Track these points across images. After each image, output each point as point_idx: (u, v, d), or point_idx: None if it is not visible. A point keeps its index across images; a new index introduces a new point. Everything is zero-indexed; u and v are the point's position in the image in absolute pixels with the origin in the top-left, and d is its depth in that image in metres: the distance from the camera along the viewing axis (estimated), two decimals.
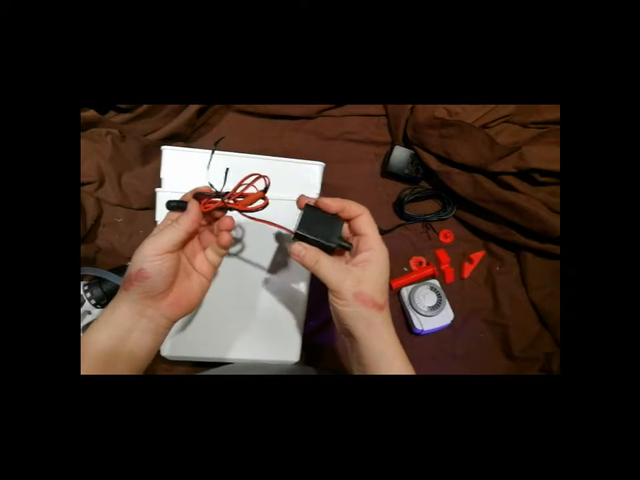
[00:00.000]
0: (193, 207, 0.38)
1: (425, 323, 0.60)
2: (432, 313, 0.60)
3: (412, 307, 0.61)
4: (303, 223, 0.38)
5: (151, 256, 0.36)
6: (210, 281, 0.42)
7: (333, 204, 0.39)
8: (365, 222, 0.38)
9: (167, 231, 0.37)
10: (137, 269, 0.36)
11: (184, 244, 0.39)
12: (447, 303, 0.61)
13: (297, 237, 0.38)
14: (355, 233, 0.39)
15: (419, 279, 0.64)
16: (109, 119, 0.59)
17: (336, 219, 0.39)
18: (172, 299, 0.39)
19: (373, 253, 0.37)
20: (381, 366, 0.38)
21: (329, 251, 0.38)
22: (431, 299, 0.61)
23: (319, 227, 0.38)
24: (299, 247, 0.38)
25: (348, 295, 0.36)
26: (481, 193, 0.58)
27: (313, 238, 0.37)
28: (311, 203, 0.39)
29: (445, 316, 0.61)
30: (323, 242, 0.37)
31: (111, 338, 0.37)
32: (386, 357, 0.38)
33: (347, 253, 0.40)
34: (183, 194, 0.40)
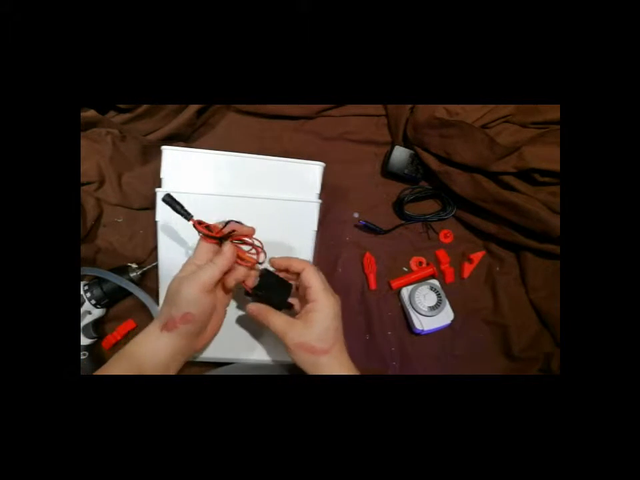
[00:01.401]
0: (230, 249, 0.41)
1: (425, 323, 0.60)
2: (432, 312, 0.60)
3: (412, 306, 0.61)
4: (260, 285, 0.44)
5: (196, 297, 0.39)
6: (226, 309, 0.46)
7: (280, 262, 0.46)
8: (307, 275, 0.44)
9: (207, 270, 0.40)
10: (183, 311, 0.40)
11: (218, 282, 0.42)
12: (447, 303, 0.61)
13: (255, 296, 0.45)
14: (302, 286, 0.44)
15: (419, 279, 0.64)
16: (109, 119, 0.59)
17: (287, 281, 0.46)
18: (207, 334, 0.44)
19: (316, 304, 0.42)
20: None
21: (279, 308, 0.45)
22: (431, 299, 0.61)
23: (274, 287, 0.45)
24: (252, 307, 0.45)
25: (291, 345, 0.42)
26: (481, 193, 0.58)
27: (265, 299, 0.45)
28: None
29: (445, 316, 0.61)
30: (273, 303, 0.45)
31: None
32: None
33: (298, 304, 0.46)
34: (215, 223, 0.43)
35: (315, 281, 0.43)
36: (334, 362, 0.41)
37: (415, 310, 0.60)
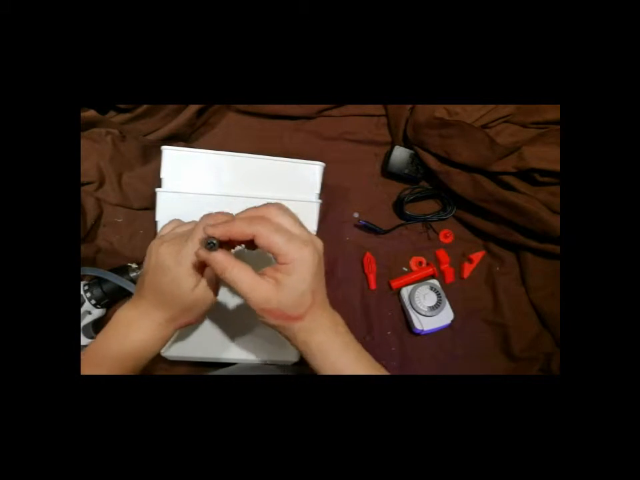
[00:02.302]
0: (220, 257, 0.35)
1: (425, 323, 0.60)
2: (432, 312, 0.60)
3: (412, 307, 0.61)
4: None
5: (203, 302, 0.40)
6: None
7: (219, 232, 0.35)
8: (263, 242, 0.34)
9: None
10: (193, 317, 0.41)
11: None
12: (447, 303, 0.61)
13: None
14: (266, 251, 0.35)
15: (419, 279, 0.64)
16: (109, 119, 0.59)
17: None
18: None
19: (286, 266, 0.34)
20: (317, 362, 0.38)
21: None
22: (431, 299, 0.61)
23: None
24: (218, 255, 0.35)
25: (257, 310, 0.35)
26: (481, 193, 0.58)
27: None
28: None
29: (445, 316, 0.61)
30: None
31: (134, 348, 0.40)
32: (317, 357, 0.37)
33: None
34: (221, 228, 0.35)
35: (275, 243, 0.34)
36: (310, 326, 0.36)
37: (415, 310, 0.60)
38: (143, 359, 0.40)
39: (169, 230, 0.43)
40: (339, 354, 0.37)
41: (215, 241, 0.34)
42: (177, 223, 0.44)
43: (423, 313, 0.60)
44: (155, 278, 0.39)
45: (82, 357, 0.38)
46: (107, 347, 0.39)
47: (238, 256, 0.36)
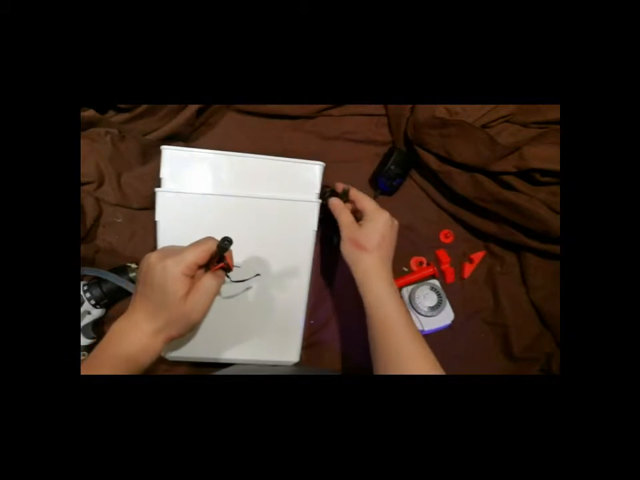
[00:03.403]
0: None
1: (425, 323, 0.60)
2: (432, 313, 0.60)
3: (412, 307, 0.61)
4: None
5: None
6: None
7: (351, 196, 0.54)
8: (361, 203, 0.52)
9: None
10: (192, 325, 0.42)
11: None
12: (448, 303, 0.61)
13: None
14: (359, 209, 0.52)
15: (419, 279, 0.64)
16: (109, 118, 0.59)
17: None
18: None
19: (368, 216, 0.50)
20: (368, 292, 0.48)
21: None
22: (432, 299, 0.61)
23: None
24: (334, 201, 0.53)
25: (344, 237, 0.50)
26: (482, 193, 0.58)
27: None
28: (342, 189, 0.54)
29: (446, 316, 0.61)
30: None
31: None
32: (371, 287, 0.48)
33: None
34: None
35: (369, 204, 0.51)
36: (371, 262, 0.48)
37: (415, 310, 0.60)
38: (136, 370, 0.40)
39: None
40: (385, 287, 0.48)
41: (228, 240, 0.40)
42: None
43: (424, 313, 0.60)
44: (145, 288, 0.41)
45: (81, 366, 0.39)
46: (103, 357, 0.40)
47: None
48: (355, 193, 0.53)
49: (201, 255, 0.41)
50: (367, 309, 0.48)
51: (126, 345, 0.40)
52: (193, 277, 0.42)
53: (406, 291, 0.62)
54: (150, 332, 0.41)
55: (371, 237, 0.48)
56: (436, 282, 0.62)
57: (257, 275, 0.51)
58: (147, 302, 0.41)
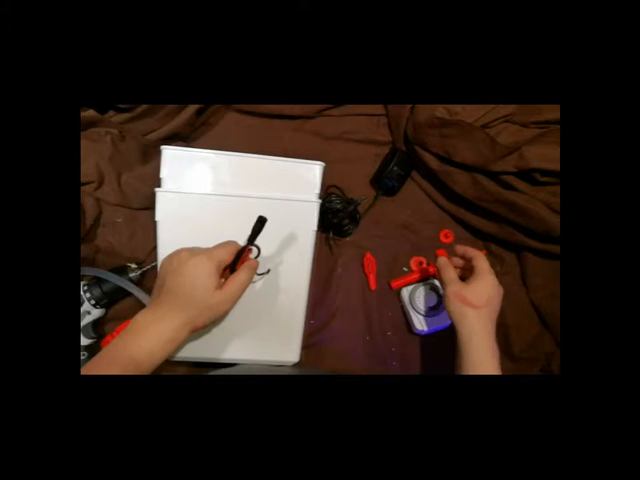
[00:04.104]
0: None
1: (425, 324, 0.60)
2: (433, 313, 0.60)
3: (412, 307, 0.60)
4: None
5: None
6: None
7: (458, 249, 0.54)
8: (478, 261, 0.51)
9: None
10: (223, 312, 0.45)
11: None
12: None
13: None
14: (474, 268, 0.51)
15: (419, 279, 0.64)
16: (109, 118, 0.59)
17: None
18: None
19: (480, 276, 0.50)
20: (472, 348, 0.47)
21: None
22: (432, 300, 0.60)
23: None
24: (441, 260, 0.54)
25: (449, 293, 0.49)
26: (482, 193, 0.58)
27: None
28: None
29: (446, 316, 0.61)
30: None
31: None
32: (474, 346, 0.47)
33: None
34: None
35: (484, 264, 0.51)
36: (478, 320, 0.47)
37: (415, 310, 0.60)
38: (157, 361, 0.41)
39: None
40: (489, 346, 0.47)
41: (264, 219, 0.43)
42: None
43: (424, 313, 0.60)
44: (173, 281, 0.42)
45: (97, 358, 0.40)
46: (124, 349, 0.40)
47: None
48: (469, 250, 0.53)
49: (229, 253, 0.44)
50: (466, 366, 0.47)
51: (152, 336, 0.41)
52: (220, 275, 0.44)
53: (406, 291, 0.62)
54: (178, 324, 0.42)
55: (480, 294, 0.48)
56: (436, 282, 0.62)
57: (268, 270, 0.52)
58: (175, 295, 0.42)
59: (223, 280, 0.45)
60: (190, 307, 0.42)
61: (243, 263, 0.46)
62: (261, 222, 0.43)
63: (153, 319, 0.42)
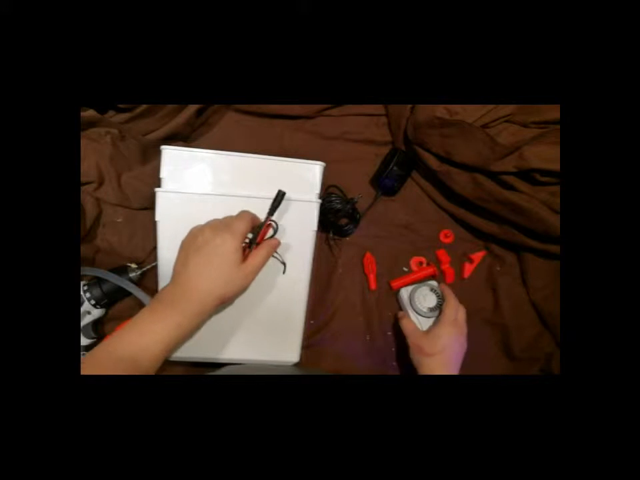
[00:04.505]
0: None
1: (424, 324, 0.60)
2: (432, 314, 0.60)
3: (412, 307, 0.60)
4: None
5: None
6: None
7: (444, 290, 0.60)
8: (445, 306, 0.58)
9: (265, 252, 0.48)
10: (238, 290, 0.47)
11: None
12: None
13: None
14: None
15: (419, 279, 0.64)
16: (109, 118, 0.59)
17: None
18: None
19: (439, 326, 0.55)
20: None
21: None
22: (431, 300, 0.60)
23: None
24: (400, 314, 0.61)
25: (410, 343, 0.56)
26: (482, 193, 0.58)
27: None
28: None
29: None
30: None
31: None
32: None
33: None
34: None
35: (448, 312, 0.56)
36: (435, 366, 0.53)
37: (415, 311, 0.60)
38: (158, 360, 0.42)
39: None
40: None
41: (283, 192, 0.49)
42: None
43: (423, 314, 0.60)
44: (202, 252, 0.44)
45: (91, 358, 0.40)
46: (123, 348, 0.40)
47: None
48: (445, 291, 0.59)
49: (247, 224, 0.46)
50: None
51: (152, 334, 0.42)
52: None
53: (405, 291, 0.62)
54: (207, 298, 0.44)
55: (434, 344, 0.54)
56: (434, 283, 0.62)
57: (283, 262, 0.53)
58: (201, 273, 0.44)
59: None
60: (220, 277, 0.44)
61: (262, 236, 0.49)
62: (281, 195, 0.48)
63: (155, 318, 0.43)
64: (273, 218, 0.49)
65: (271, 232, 0.51)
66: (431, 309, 0.60)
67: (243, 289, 0.47)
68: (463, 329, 0.56)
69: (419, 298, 0.60)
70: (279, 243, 0.50)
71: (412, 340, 0.56)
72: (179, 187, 0.51)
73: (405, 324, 0.58)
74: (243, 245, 0.46)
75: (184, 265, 0.45)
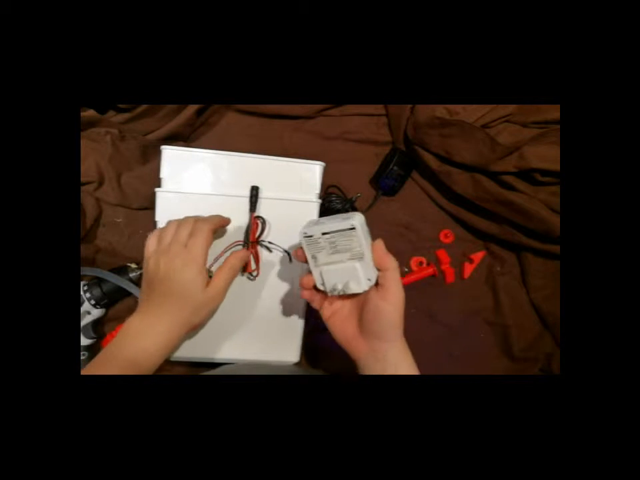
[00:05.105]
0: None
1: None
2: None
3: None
4: None
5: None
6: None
7: (376, 251, 0.42)
8: (390, 271, 0.40)
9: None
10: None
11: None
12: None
13: None
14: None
15: (419, 279, 0.64)
16: (109, 118, 0.59)
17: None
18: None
19: (382, 302, 0.40)
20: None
21: None
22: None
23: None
24: (305, 293, 0.45)
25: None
26: (482, 193, 0.58)
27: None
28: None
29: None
30: None
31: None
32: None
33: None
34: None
35: (396, 284, 0.40)
36: (404, 348, 0.42)
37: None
38: (152, 366, 0.42)
39: (164, 233, 0.45)
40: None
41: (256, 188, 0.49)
42: (174, 223, 0.46)
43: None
44: (165, 284, 0.42)
45: (93, 362, 0.39)
46: (117, 355, 0.40)
47: None
48: (387, 256, 0.41)
49: (208, 239, 0.44)
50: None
51: (145, 341, 0.41)
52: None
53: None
54: (173, 326, 0.42)
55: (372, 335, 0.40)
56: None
57: (286, 251, 0.51)
58: (167, 298, 0.43)
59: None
60: (185, 307, 0.43)
61: (254, 234, 0.50)
62: (255, 190, 0.49)
63: (148, 323, 0.42)
64: (259, 214, 0.49)
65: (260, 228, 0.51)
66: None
67: (212, 312, 0.46)
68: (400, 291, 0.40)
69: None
70: (246, 255, 0.48)
71: (343, 345, 0.42)
72: (179, 187, 0.51)
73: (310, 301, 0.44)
74: (208, 265, 0.45)
75: (148, 298, 0.43)
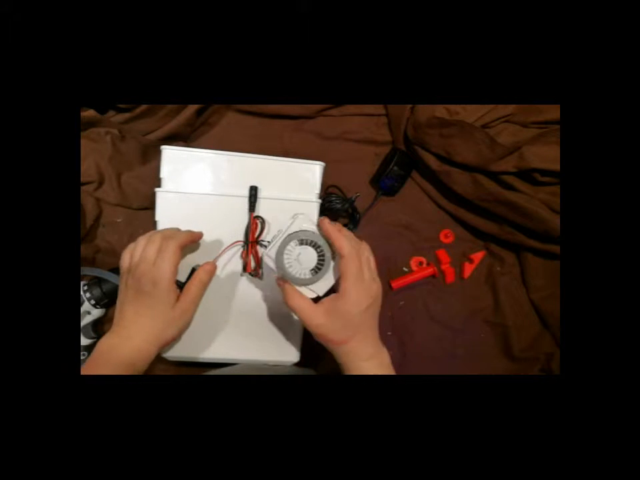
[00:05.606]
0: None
1: (318, 287, 0.43)
2: (319, 276, 0.42)
3: (289, 277, 0.42)
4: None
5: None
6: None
7: (328, 231, 0.41)
8: (343, 263, 0.40)
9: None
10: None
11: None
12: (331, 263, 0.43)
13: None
14: (339, 269, 0.41)
15: (419, 279, 0.64)
16: (109, 118, 0.59)
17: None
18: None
19: (343, 296, 0.40)
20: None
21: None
22: (309, 259, 0.42)
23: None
24: (280, 281, 0.45)
25: (312, 332, 0.42)
26: (482, 193, 0.58)
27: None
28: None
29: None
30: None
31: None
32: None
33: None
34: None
35: (348, 272, 0.39)
36: (352, 351, 0.41)
37: (293, 282, 0.43)
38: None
39: (132, 256, 0.45)
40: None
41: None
42: (144, 240, 0.45)
43: (305, 282, 0.43)
44: (135, 303, 0.43)
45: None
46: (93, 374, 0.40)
47: None
48: (329, 232, 0.40)
49: (176, 256, 0.43)
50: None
51: (119, 358, 0.41)
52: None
53: (269, 259, 0.43)
54: (145, 343, 0.42)
55: (345, 327, 0.40)
56: (308, 227, 0.43)
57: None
58: (138, 315, 0.43)
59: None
60: (155, 324, 0.43)
61: (253, 234, 0.50)
62: (254, 190, 0.50)
63: (118, 342, 0.42)
64: (259, 214, 0.50)
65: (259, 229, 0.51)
66: (315, 271, 0.42)
67: (185, 326, 0.46)
68: (371, 282, 0.41)
69: (290, 262, 0.42)
70: (212, 268, 0.48)
71: (315, 329, 0.41)
72: (179, 187, 0.51)
73: (295, 304, 0.41)
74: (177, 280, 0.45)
75: (122, 317, 0.44)
